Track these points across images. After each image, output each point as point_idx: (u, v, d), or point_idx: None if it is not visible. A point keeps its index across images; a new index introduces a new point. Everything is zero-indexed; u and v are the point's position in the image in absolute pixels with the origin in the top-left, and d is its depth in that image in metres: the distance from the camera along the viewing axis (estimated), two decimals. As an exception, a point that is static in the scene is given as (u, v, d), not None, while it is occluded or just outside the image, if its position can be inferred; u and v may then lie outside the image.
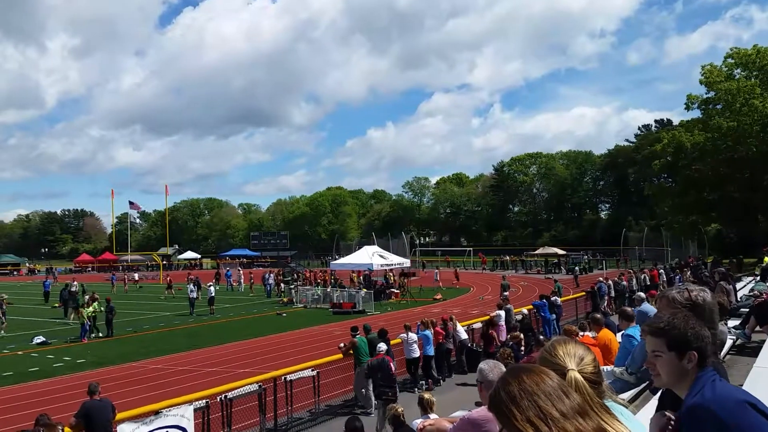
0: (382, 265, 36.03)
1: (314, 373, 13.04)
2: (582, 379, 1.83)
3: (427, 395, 7.37)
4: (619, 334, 8.02)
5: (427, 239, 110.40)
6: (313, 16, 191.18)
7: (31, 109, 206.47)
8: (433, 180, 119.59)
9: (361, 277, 38.27)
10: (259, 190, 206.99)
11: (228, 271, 52.22)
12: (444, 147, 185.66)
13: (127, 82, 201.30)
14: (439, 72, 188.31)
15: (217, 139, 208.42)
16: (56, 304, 34.86)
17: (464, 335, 17.08)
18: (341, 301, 32.48)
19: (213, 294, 32.82)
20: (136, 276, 53.68)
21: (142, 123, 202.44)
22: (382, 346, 12.65)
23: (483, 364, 4.34)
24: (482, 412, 3.86)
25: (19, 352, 21.72)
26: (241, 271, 50.48)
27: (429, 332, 15.57)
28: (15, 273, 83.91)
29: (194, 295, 32.52)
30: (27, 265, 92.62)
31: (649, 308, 8.11)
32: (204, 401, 10.34)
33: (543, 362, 1.96)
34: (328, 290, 35.46)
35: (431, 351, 15.45)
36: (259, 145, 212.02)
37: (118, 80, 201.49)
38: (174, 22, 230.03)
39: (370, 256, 35.54)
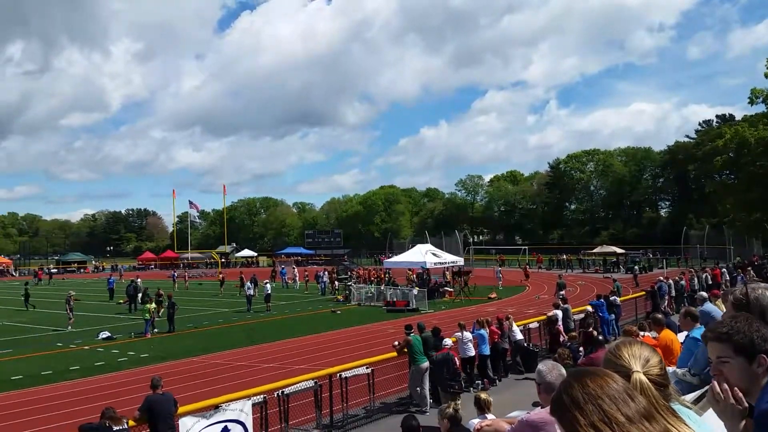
0: (435, 264, 35.92)
1: (369, 370, 13.09)
2: (647, 381, 1.79)
3: (483, 395, 7.32)
4: (681, 335, 7.79)
5: (480, 238, 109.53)
6: (367, 17, 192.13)
7: (96, 113, 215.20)
8: (487, 178, 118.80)
9: (415, 276, 38.29)
10: (313, 189, 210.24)
11: (283, 269, 52.97)
12: (498, 145, 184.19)
13: (187, 85, 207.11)
14: (494, 69, 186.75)
15: (273, 140, 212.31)
16: (121, 301, 36.27)
17: (520, 335, 16.88)
18: (395, 300, 32.54)
19: (269, 291, 33.36)
20: (176, 273, 54.82)
21: (202, 125, 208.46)
22: (448, 342, 13.18)
23: (542, 365, 4.28)
24: (541, 414, 3.80)
25: (86, 347, 22.58)
26: (296, 269, 51.16)
27: (484, 331, 15.45)
28: (82, 270, 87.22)
29: (251, 292, 33.19)
30: (93, 262, 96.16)
31: (712, 308, 7.85)
32: (262, 396, 10.54)
33: (607, 364, 1.91)
34: (382, 288, 35.58)
35: (487, 350, 15.33)
36: (313, 145, 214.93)
37: (179, 83, 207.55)
38: (232, 26, 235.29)
39: (423, 255, 35.49)
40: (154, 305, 25.54)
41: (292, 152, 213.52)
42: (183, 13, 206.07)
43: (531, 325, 18.61)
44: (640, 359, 1.90)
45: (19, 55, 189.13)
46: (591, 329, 14.32)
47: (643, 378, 1.80)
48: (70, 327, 27.06)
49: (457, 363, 12.48)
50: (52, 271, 73.73)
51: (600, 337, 13.09)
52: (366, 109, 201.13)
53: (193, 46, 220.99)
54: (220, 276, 46.64)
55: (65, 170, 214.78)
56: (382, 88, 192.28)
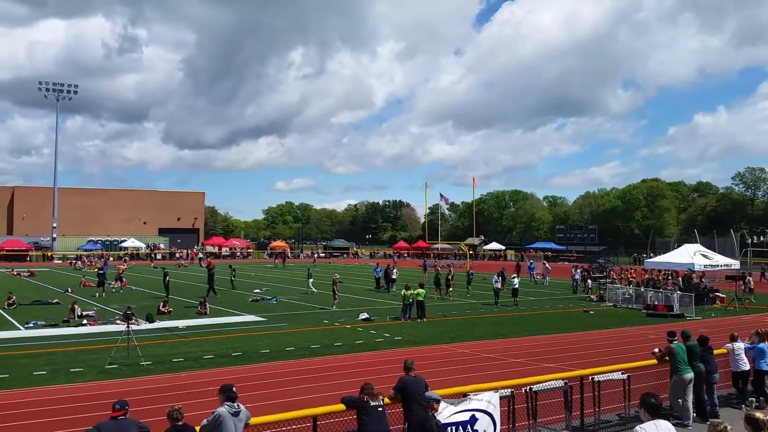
0: (705, 266, 32.41)
1: (624, 376, 12.23)
2: None
3: (759, 414, 6.33)
4: None
5: (761, 239, 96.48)
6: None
7: (362, 110, 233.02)
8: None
9: (680, 279, 34.99)
10: (566, 183, 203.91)
11: (531, 263, 52.17)
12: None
13: (444, 81, 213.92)
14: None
15: (525, 132, 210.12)
16: (379, 286, 39.26)
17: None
18: (656, 303, 30.09)
19: (517, 286, 33.06)
20: (426, 263, 56.25)
21: (455, 119, 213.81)
22: None
23: None
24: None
25: (348, 326, 24.53)
26: (547, 264, 49.96)
27: (764, 345, 13.50)
28: (344, 255, 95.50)
29: (498, 285, 33.20)
30: (354, 249, 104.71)
31: None
32: (509, 390, 10.39)
33: None
34: (641, 290, 33.14)
35: (766, 366, 13.39)
36: (568, 136, 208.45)
37: (437, 79, 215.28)
38: (492, 19, 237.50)
39: (691, 255, 32.21)
40: (410, 291, 26.78)
41: (545, 144, 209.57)
42: (443, 11, 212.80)
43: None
44: None
45: (299, 60, 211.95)
46: None
47: None
48: (335, 306, 29.68)
49: None
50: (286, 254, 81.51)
51: None
52: (630, 96, 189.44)
53: (452, 43, 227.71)
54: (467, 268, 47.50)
55: (334, 164, 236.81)
56: (649, 73, 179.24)
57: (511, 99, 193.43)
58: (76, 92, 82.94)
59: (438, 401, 8.33)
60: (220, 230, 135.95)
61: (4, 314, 27.03)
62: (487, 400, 9.89)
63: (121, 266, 39.04)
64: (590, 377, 11.69)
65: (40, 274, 51.67)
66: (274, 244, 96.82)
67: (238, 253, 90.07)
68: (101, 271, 36.91)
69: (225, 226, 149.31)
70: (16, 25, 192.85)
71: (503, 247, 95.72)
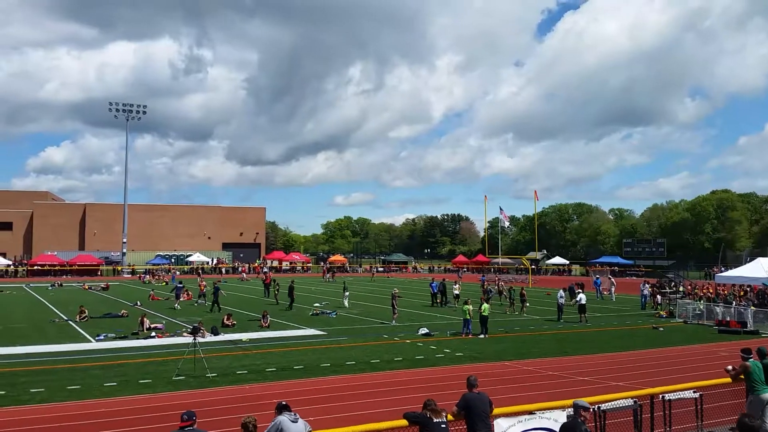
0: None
1: (697, 395, 11.70)
2: None
3: None
4: None
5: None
6: (703, 5, 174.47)
7: (420, 124, 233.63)
8: None
9: (754, 294, 33.43)
10: (632, 195, 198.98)
11: (597, 278, 50.88)
12: None
13: (503, 93, 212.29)
14: None
15: (589, 142, 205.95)
16: (438, 301, 39.10)
17: None
18: (728, 319, 28.80)
19: (584, 301, 32.11)
20: (485, 278, 55.33)
21: (515, 130, 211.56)
22: None
23: None
24: None
25: (407, 341, 24.39)
26: (612, 279, 48.61)
27: None
28: (403, 270, 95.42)
29: (563, 301, 32.46)
30: (413, 263, 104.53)
31: None
32: (576, 409, 10.10)
33: None
34: (712, 305, 31.80)
35: None
36: (635, 147, 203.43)
37: (496, 91, 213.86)
38: (554, 28, 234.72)
39: (765, 270, 30.74)
40: (468, 306, 26.50)
41: (610, 155, 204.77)
42: (503, 22, 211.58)
43: None
44: None
45: (358, 75, 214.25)
46: None
47: None
48: (394, 321, 29.61)
49: None
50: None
51: None
52: (698, 105, 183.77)
53: (512, 53, 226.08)
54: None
55: (392, 178, 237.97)
56: (718, 81, 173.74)
57: (574, 109, 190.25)
58: (144, 112, 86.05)
59: (587, 409, 8.13)
60: (281, 245, 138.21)
61: (77, 327, 28.12)
62: (555, 419, 9.61)
63: (202, 283, 41.05)
64: (661, 396, 11.25)
65: (111, 287, 53.59)
66: (332, 258, 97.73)
67: (299, 268, 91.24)
68: (180, 285, 38.82)
69: (285, 240, 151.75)
70: (87, 48, 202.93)
71: (567, 262, 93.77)
